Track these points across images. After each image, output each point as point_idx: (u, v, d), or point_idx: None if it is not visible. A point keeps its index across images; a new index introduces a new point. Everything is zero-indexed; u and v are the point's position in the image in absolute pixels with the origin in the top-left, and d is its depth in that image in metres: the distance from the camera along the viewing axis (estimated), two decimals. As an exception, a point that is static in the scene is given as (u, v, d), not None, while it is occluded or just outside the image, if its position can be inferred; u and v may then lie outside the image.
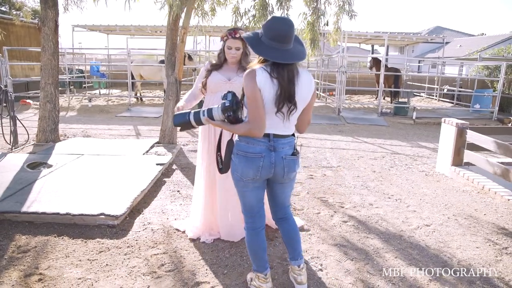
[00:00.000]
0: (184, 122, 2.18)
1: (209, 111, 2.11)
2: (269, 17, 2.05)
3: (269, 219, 3.10)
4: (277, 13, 5.29)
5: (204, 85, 2.89)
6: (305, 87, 2.07)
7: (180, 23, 5.67)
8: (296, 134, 2.25)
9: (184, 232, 3.12)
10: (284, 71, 1.98)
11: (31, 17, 9.39)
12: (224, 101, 2.02)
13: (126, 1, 4.91)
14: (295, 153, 2.17)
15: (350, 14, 5.63)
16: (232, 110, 2.00)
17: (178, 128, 2.28)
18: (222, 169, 2.25)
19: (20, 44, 12.87)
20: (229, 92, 2.06)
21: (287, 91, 1.99)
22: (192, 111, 2.18)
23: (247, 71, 2.03)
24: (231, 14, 5.78)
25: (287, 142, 2.14)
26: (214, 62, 2.88)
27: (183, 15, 5.43)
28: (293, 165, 2.17)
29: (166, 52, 5.77)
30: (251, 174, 2.12)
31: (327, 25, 6.00)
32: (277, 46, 1.97)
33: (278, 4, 5.39)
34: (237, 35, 2.74)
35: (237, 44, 2.74)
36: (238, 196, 2.28)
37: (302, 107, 2.12)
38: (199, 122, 2.16)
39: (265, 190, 2.30)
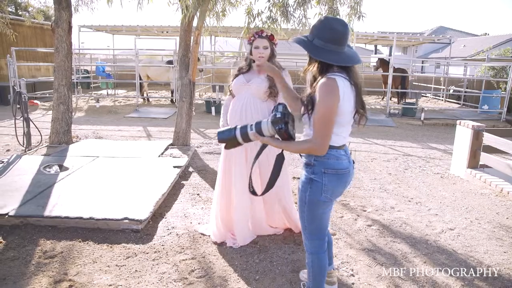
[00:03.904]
0: (230, 138, 1.95)
1: (258, 125, 1.90)
2: (321, 18, 1.84)
3: (296, 224, 3.09)
4: (295, 13, 5.25)
5: (231, 90, 2.96)
6: None
7: (194, 24, 5.65)
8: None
9: (209, 236, 3.09)
10: (357, 75, 1.84)
11: (41, 18, 9.35)
12: (274, 112, 1.85)
13: (138, 1, 4.89)
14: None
15: (358, 15, 5.60)
16: (284, 122, 1.81)
17: (224, 145, 2.05)
18: (257, 192, 2.06)
19: (27, 44, 12.84)
20: (279, 104, 1.91)
21: (361, 97, 1.85)
22: (239, 126, 1.96)
23: (322, 82, 1.76)
24: (244, 15, 5.76)
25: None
26: (241, 66, 2.94)
27: (197, 14, 5.40)
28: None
29: (179, 54, 5.75)
30: (340, 193, 1.95)
31: None
32: (334, 49, 1.78)
33: (296, 3, 5.34)
34: (264, 34, 2.78)
35: (264, 43, 2.77)
36: (309, 220, 1.99)
37: None
38: (246, 138, 1.93)
39: None
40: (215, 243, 3.01)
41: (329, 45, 1.78)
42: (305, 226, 2.02)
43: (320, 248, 2.05)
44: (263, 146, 2.00)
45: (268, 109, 2.85)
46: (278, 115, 1.82)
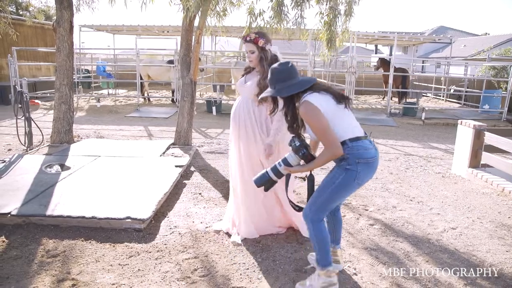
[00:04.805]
0: (265, 181, 2.28)
1: (284, 160, 2.23)
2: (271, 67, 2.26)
3: (301, 225, 3.08)
4: (292, 13, 5.26)
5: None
6: None
7: (195, 24, 5.64)
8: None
9: (222, 231, 3.16)
10: (320, 85, 2.24)
11: (42, 18, 9.35)
12: (292, 144, 2.18)
13: (142, 2, 4.88)
14: None
15: (347, 14, 5.58)
16: (304, 147, 2.14)
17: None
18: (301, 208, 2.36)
19: (28, 44, 12.84)
20: (293, 137, 2.22)
21: (335, 92, 2.22)
22: (268, 168, 2.29)
23: (300, 109, 2.15)
24: (246, 14, 5.74)
25: None
26: (246, 66, 3.01)
27: (198, 14, 5.39)
28: None
29: (181, 53, 5.75)
30: (368, 179, 2.26)
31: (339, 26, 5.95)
32: (292, 83, 2.19)
33: (293, 3, 5.33)
34: (248, 38, 2.77)
35: (250, 48, 2.78)
36: (327, 199, 2.25)
37: None
38: (279, 174, 2.25)
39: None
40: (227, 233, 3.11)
41: (286, 82, 2.20)
42: (316, 201, 2.26)
43: (320, 218, 2.30)
44: (288, 176, 2.37)
45: (261, 114, 2.84)
46: (297, 144, 2.17)
